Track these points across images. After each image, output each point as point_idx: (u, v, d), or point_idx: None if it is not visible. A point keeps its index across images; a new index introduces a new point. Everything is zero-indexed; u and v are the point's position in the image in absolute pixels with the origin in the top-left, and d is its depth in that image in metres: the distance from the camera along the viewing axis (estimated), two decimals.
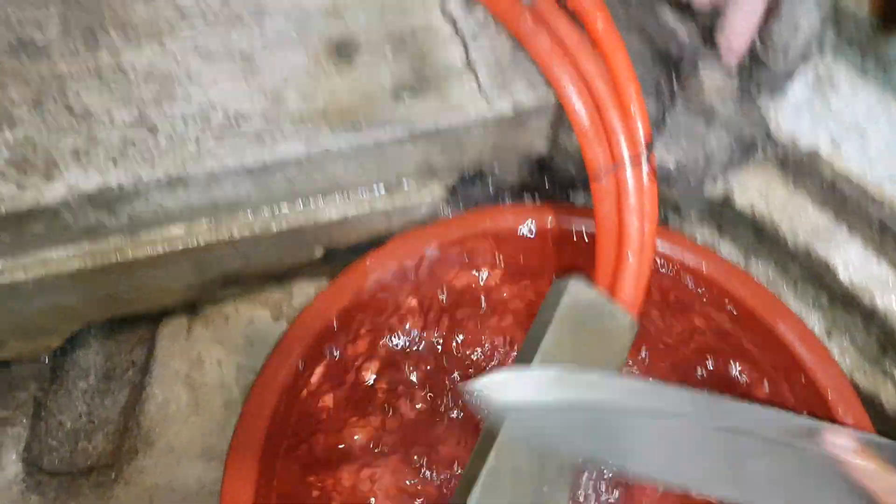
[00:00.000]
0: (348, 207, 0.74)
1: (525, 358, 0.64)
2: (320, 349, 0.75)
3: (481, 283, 0.84)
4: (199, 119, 0.66)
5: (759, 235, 0.83)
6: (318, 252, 0.80)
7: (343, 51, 0.72)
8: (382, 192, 0.74)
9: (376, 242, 0.80)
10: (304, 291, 0.91)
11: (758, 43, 0.74)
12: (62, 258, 0.67)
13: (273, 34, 0.71)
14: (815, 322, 0.82)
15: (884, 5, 0.83)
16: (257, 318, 0.89)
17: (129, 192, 0.62)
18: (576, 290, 0.66)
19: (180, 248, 0.69)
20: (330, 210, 0.73)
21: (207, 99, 0.67)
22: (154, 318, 0.87)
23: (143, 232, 0.68)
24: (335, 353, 0.77)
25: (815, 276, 0.80)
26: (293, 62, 0.70)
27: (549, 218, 0.80)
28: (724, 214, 0.85)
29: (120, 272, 0.69)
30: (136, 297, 0.76)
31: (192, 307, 0.88)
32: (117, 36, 0.69)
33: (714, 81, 0.77)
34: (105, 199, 0.62)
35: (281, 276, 0.89)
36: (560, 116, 0.74)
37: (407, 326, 0.82)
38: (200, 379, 0.83)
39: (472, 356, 0.85)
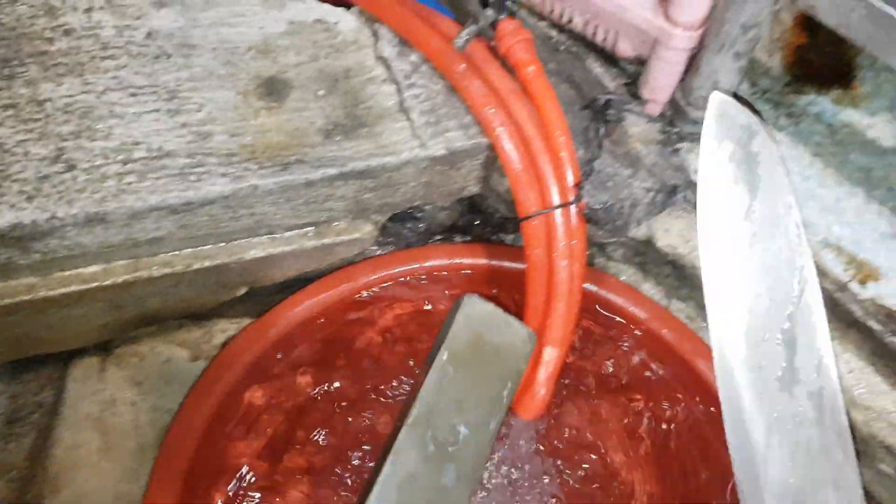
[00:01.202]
0: (275, 246, 0.72)
1: (428, 363, 0.64)
2: (239, 390, 0.73)
3: (406, 322, 0.84)
4: (121, 155, 0.63)
5: (680, 276, 0.85)
6: (241, 291, 0.78)
7: (273, 89, 0.71)
8: (311, 230, 0.73)
9: (304, 280, 0.79)
10: (223, 330, 0.88)
11: (679, 95, 0.77)
12: None
13: (201, 70, 0.70)
14: None
15: (795, 63, 0.87)
16: (174, 357, 0.86)
17: (43, 229, 0.59)
18: (471, 304, 0.67)
19: (96, 286, 0.66)
20: (255, 249, 0.72)
21: (130, 135, 0.65)
22: (64, 358, 0.83)
23: (58, 270, 0.65)
24: (254, 394, 0.75)
25: None
26: (221, 99, 0.69)
27: (480, 257, 0.81)
28: (647, 255, 0.87)
29: (30, 311, 0.66)
30: (47, 336, 0.73)
31: (104, 347, 0.84)
32: (36, 68, 0.66)
33: (638, 130, 0.80)
34: (17, 237, 0.59)
35: (200, 315, 0.86)
36: (492, 159, 0.74)
37: (327, 368, 0.81)
38: (113, 421, 0.79)
39: (390, 395, 0.85)
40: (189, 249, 0.69)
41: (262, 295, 0.81)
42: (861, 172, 0.80)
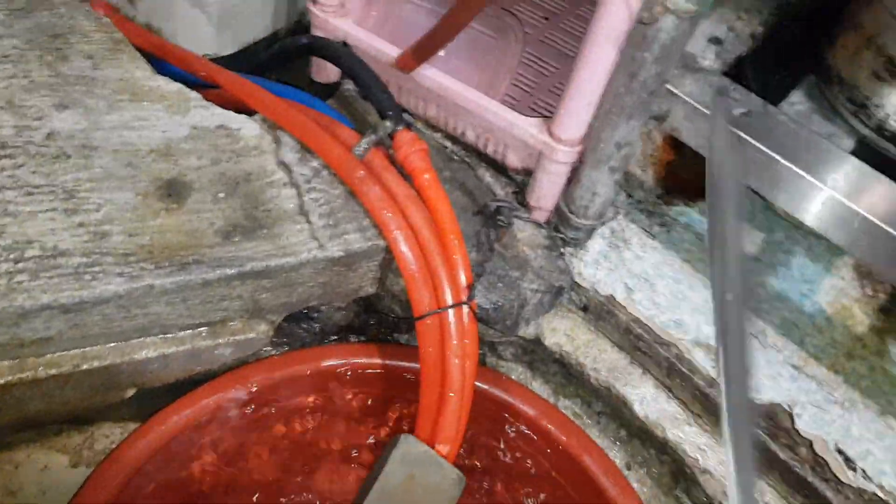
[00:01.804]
0: (168, 346, 0.72)
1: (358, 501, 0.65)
2: (124, 500, 0.71)
3: (302, 424, 0.84)
4: (13, 254, 0.63)
5: (567, 374, 0.90)
6: (130, 393, 0.76)
7: (174, 191, 0.72)
8: (206, 330, 0.74)
9: (196, 381, 0.78)
10: (106, 435, 0.85)
11: (563, 203, 0.83)
12: None
13: (101, 171, 0.71)
14: (616, 455, 0.88)
15: (666, 177, 0.96)
16: (53, 464, 0.82)
17: None
18: (405, 445, 0.69)
19: None
20: (148, 349, 0.71)
21: (24, 234, 0.64)
22: None
23: None
24: (146, 495, 0.73)
25: (616, 411, 0.87)
26: (121, 200, 0.70)
27: (375, 356, 0.82)
28: (536, 354, 0.91)
29: None
30: None
31: None
32: None
33: (526, 234, 0.85)
34: None
35: (84, 419, 0.84)
36: (388, 260, 0.78)
37: (219, 474, 0.80)
38: None
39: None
40: (78, 350, 0.68)
41: (151, 397, 0.79)
42: None
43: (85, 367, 0.68)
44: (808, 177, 0.66)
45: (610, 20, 0.67)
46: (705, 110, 0.69)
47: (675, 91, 0.69)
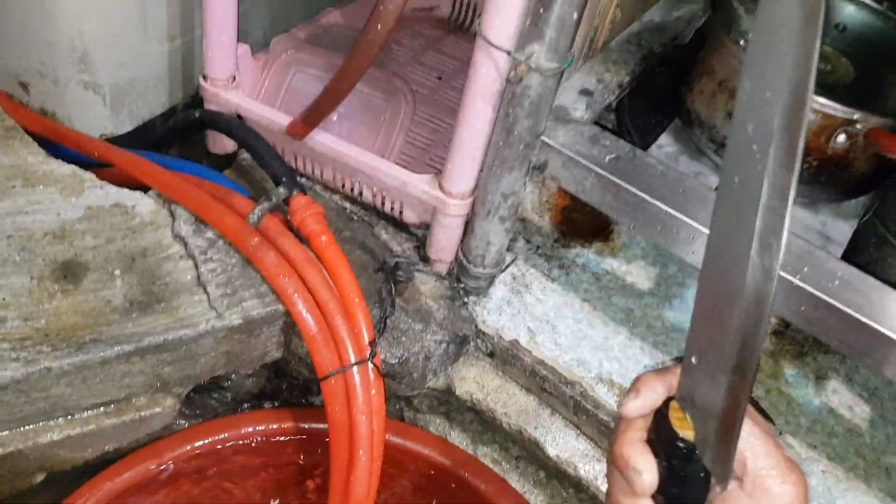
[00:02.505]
0: (73, 427, 0.71)
1: None
2: None
3: (221, 495, 0.83)
4: None
5: (481, 421, 0.92)
6: (39, 478, 0.75)
7: (69, 271, 0.73)
8: (111, 408, 0.73)
9: (107, 461, 0.77)
10: None
11: (461, 254, 0.86)
12: None
13: None
14: (536, 497, 0.90)
15: (562, 221, 1.00)
16: None
17: None
18: None
19: None
20: (52, 432, 0.70)
21: None
22: None
23: None
24: None
25: (531, 454, 0.89)
26: (16, 285, 0.70)
27: (287, 421, 0.83)
28: (450, 404, 0.93)
29: None
30: None
31: None
32: None
33: (428, 287, 0.88)
34: None
35: None
36: (290, 324, 0.79)
37: None
38: None
39: None
40: None
41: (63, 481, 0.78)
42: (623, 313, 0.92)
43: None
44: (678, 214, 0.70)
45: (482, 80, 0.71)
46: (579, 158, 0.73)
47: (550, 142, 0.74)
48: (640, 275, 0.96)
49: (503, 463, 0.93)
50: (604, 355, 0.87)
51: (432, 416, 0.97)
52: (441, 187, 0.83)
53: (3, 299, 0.69)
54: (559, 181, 0.76)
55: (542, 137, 0.74)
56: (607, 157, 0.73)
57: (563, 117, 0.75)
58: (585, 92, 0.82)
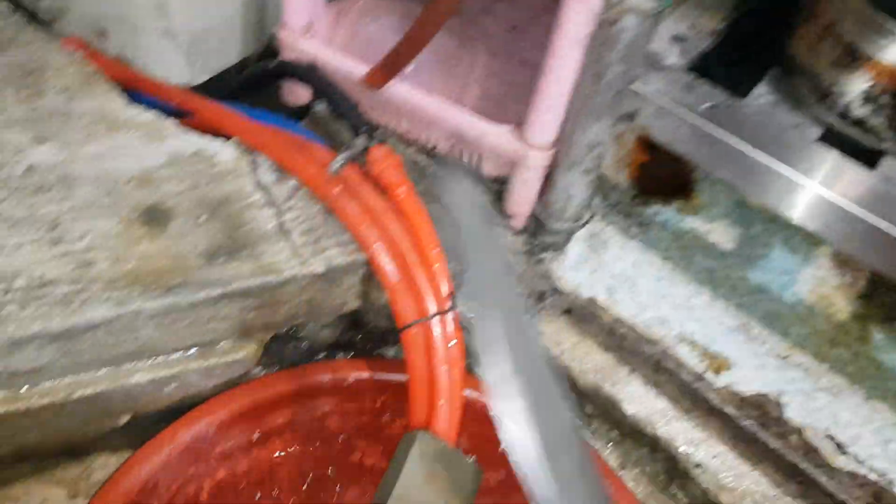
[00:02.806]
0: (159, 370, 0.72)
1: (380, 499, 0.65)
2: None
3: (298, 443, 0.84)
4: (1, 285, 0.64)
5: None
6: (124, 419, 0.77)
7: (155, 216, 0.73)
8: (196, 352, 0.74)
9: (188, 405, 0.78)
10: (103, 465, 0.86)
11: (539, 208, 0.85)
12: None
13: (82, 201, 0.72)
14: (609, 455, 0.89)
15: (640, 178, 0.97)
16: (51, 497, 0.82)
17: None
18: (424, 442, 0.70)
19: None
20: (140, 373, 0.72)
21: (10, 264, 0.65)
22: None
23: None
24: None
25: (606, 412, 0.87)
26: (103, 228, 0.70)
27: (365, 371, 0.83)
28: None
29: None
30: None
31: None
32: None
33: (505, 241, 0.86)
34: None
35: (79, 449, 0.84)
36: (370, 274, 0.79)
37: (216, 495, 0.80)
38: None
39: None
40: (71, 377, 0.68)
41: (145, 424, 0.79)
42: (706, 273, 0.89)
43: (78, 394, 0.68)
44: (778, 167, 0.67)
45: (573, 23, 0.69)
46: (673, 107, 0.70)
47: (642, 90, 0.71)
48: (722, 234, 0.93)
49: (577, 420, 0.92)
50: (686, 315, 0.85)
51: None
52: (522, 138, 0.81)
53: (93, 242, 0.69)
54: (649, 131, 0.74)
55: (634, 85, 0.71)
56: (703, 106, 0.70)
57: (656, 64, 0.73)
58: (678, 38, 0.79)
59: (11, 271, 0.65)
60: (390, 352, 0.93)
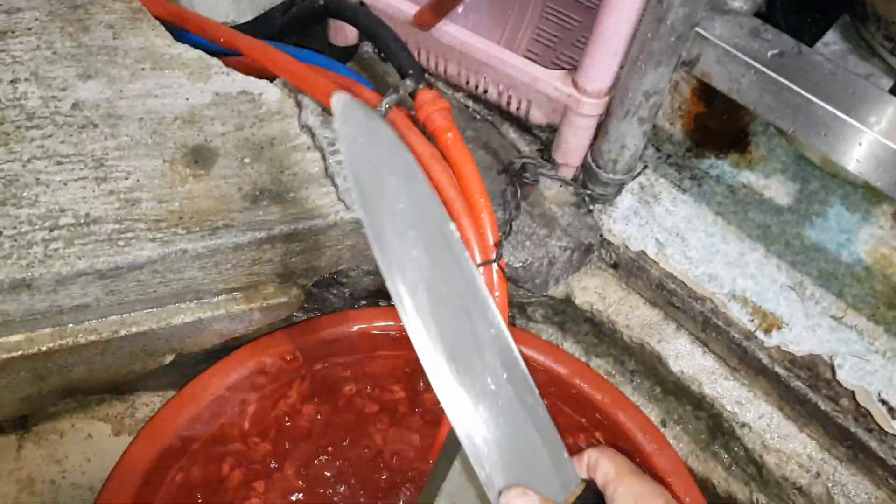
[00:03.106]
0: (203, 311, 0.72)
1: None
2: (167, 463, 0.72)
3: (338, 386, 0.84)
4: (48, 222, 0.63)
5: (598, 333, 0.89)
6: (168, 359, 0.77)
7: (200, 157, 0.72)
8: (240, 295, 0.74)
9: (230, 347, 0.78)
10: (146, 404, 0.87)
11: (590, 158, 0.82)
12: None
13: (128, 140, 0.71)
14: (651, 412, 0.88)
15: (694, 130, 0.94)
16: (96, 432, 0.84)
17: None
18: None
19: (20, 355, 0.65)
20: (184, 314, 0.72)
21: (56, 202, 0.65)
22: None
23: None
24: (183, 466, 0.74)
25: (650, 368, 0.86)
26: (148, 167, 0.70)
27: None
28: (566, 314, 0.91)
29: None
30: None
31: (22, 424, 0.82)
32: None
33: (553, 192, 0.84)
34: None
35: (123, 387, 0.85)
36: None
37: (256, 437, 0.80)
38: (31, 501, 0.77)
39: (323, 466, 0.85)
40: (116, 316, 0.68)
41: (187, 364, 0.80)
42: (760, 229, 0.86)
43: (123, 333, 0.68)
44: (847, 118, 0.64)
45: None
46: (738, 53, 0.67)
47: (705, 34, 0.68)
48: (778, 190, 0.90)
49: (617, 376, 0.91)
50: (738, 272, 0.82)
51: (545, 326, 0.95)
52: (575, 84, 0.78)
53: (138, 181, 0.69)
54: (710, 78, 0.70)
55: (696, 29, 0.68)
56: (769, 53, 0.66)
57: (720, 7, 0.69)
58: None
59: (58, 208, 0.65)
60: None
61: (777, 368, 0.77)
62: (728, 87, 0.69)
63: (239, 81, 0.80)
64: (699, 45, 0.69)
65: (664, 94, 0.74)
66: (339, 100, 0.45)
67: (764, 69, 0.66)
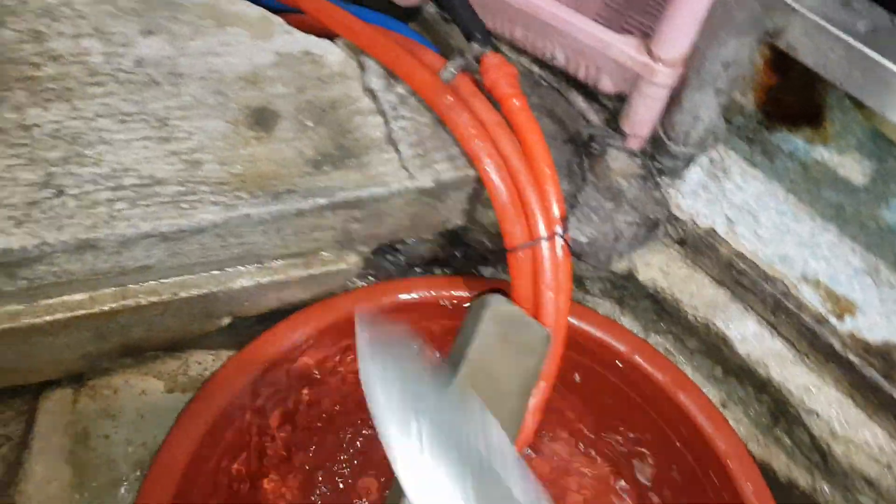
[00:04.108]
0: (263, 276, 0.72)
1: (453, 362, 0.64)
2: (228, 419, 0.72)
3: None
4: (111, 181, 0.63)
5: (659, 310, 0.87)
6: (225, 321, 0.77)
7: (262, 118, 0.71)
8: (299, 260, 0.73)
9: (287, 312, 0.78)
10: (199, 362, 0.87)
11: (660, 130, 0.79)
12: None
13: (190, 99, 0.70)
14: (710, 393, 0.86)
15: (767, 102, 0.90)
16: (149, 389, 0.84)
17: (32, 255, 0.58)
18: (496, 304, 0.68)
19: (83, 314, 0.65)
20: (244, 278, 0.71)
21: (120, 161, 0.64)
22: (33, 390, 0.81)
23: (43, 298, 0.63)
24: (244, 422, 0.74)
25: (712, 349, 0.84)
26: (211, 128, 0.69)
27: (464, 290, 0.81)
28: (626, 289, 0.88)
29: (12, 340, 0.64)
30: (24, 366, 0.71)
31: (77, 379, 0.82)
32: (23, 93, 0.65)
33: (620, 164, 0.81)
34: (4, 263, 0.58)
35: (177, 346, 0.85)
36: (477, 191, 0.75)
37: (316, 395, 0.80)
38: (86, 455, 0.77)
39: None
40: (177, 278, 0.68)
41: (241, 326, 0.80)
42: (833, 209, 0.83)
43: (183, 295, 0.68)
44: None
45: None
46: (828, 25, 0.63)
47: (793, 4, 0.64)
48: (854, 168, 0.86)
49: (676, 355, 0.89)
50: (810, 253, 0.79)
51: (603, 300, 0.93)
52: (649, 51, 0.75)
53: (201, 142, 0.68)
54: (796, 51, 0.67)
55: None
56: (862, 27, 0.62)
57: None
58: None
59: (122, 168, 0.64)
60: (486, 272, 0.91)
61: (850, 355, 0.74)
62: (814, 62, 0.65)
63: (301, 41, 0.78)
64: (786, 15, 0.66)
65: (745, 65, 0.70)
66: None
67: (856, 43, 0.62)
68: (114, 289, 0.66)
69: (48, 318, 0.63)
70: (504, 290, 0.74)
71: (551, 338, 0.70)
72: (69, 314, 0.64)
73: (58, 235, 0.58)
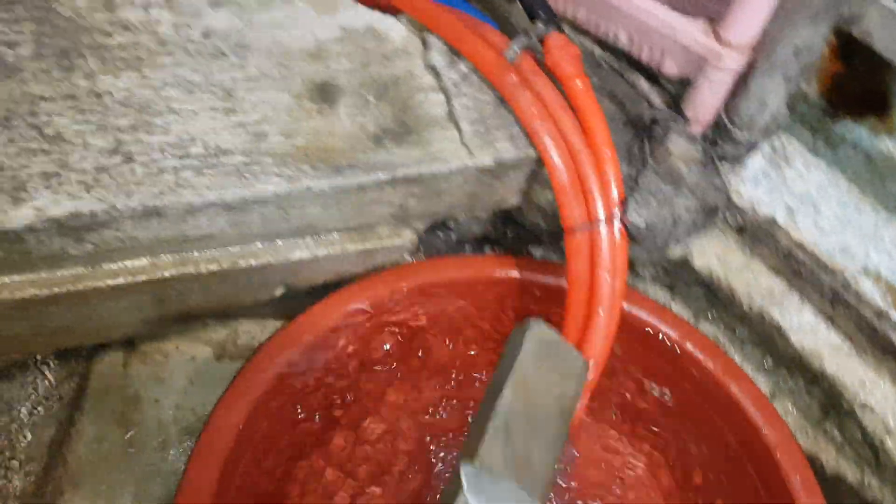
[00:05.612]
0: (320, 248, 0.72)
1: (494, 392, 0.65)
2: (281, 387, 0.73)
3: (443, 328, 0.84)
4: (178, 150, 0.64)
5: (712, 298, 0.86)
6: (279, 291, 0.78)
7: (326, 93, 0.71)
8: (356, 234, 0.74)
9: (340, 284, 0.79)
10: (248, 331, 0.88)
11: (724, 115, 0.78)
12: (14, 284, 0.63)
13: (255, 71, 0.70)
14: (760, 383, 0.85)
15: (831, 90, 0.88)
16: (199, 356, 0.86)
17: (100, 220, 0.59)
18: (537, 331, 0.68)
19: (144, 280, 0.66)
20: (301, 250, 0.72)
21: (187, 130, 0.65)
22: (87, 353, 0.83)
23: (107, 262, 0.65)
24: (297, 388, 0.75)
25: (765, 339, 0.83)
26: (275, 100, 0.69)
27: (516, 269, 0.81)
28: (678, 276, 0.87)
29: (74, 302, 0.66)
30: (81, 328, 0.72)
31: (130, 343, 0.84)
32: (94, 61, 0.66)
33: (680, 148, 0.80)
34: (74, 227, 0.59)
35: (228, 315, 0.87)
36: (536, 172, 0.75)
37: (366, 370, 0.81)
38: (136, 417, 0.79)
39: (427, 403, 0.85)
40: (237, 247, 0.69)
41: (294, 297, 0.81)
42: None
43: (242, 264, 0.69)
44: None
45: None
46: None
47: None
48: None
49: (727, 344, 0.88)
50: (872, 246, 0.78)
51: (653, 286, 0.92)
52: (717, 35, 0.73)
53: (266, 114, 0.68)
54: (871, 39, 0.65)
55: None
56: None
57: None
58: None
59: (188, 137, 0.65)
60: (537, 252, 0.91)
61: None
62: (891, 53, 0.64)
63: (364, 16, 0.78)
64: (862, 3, 0.64)
65: (815, 52, 0.69)
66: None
67: None
68: (175, 255, 0.67)
69: (110, 281, 0.64)
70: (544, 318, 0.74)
71: (589, 366, 0.70)
72: (131, 279, 0.65)
73: (126, 201, 0.59)
